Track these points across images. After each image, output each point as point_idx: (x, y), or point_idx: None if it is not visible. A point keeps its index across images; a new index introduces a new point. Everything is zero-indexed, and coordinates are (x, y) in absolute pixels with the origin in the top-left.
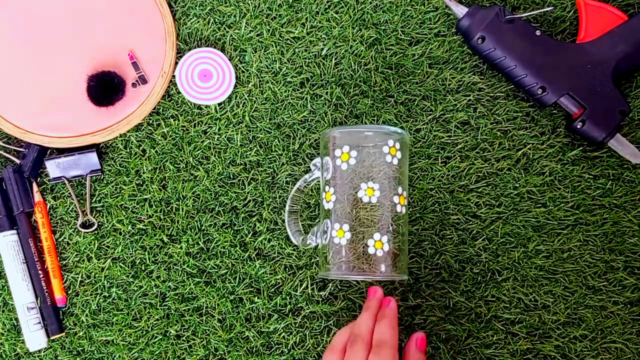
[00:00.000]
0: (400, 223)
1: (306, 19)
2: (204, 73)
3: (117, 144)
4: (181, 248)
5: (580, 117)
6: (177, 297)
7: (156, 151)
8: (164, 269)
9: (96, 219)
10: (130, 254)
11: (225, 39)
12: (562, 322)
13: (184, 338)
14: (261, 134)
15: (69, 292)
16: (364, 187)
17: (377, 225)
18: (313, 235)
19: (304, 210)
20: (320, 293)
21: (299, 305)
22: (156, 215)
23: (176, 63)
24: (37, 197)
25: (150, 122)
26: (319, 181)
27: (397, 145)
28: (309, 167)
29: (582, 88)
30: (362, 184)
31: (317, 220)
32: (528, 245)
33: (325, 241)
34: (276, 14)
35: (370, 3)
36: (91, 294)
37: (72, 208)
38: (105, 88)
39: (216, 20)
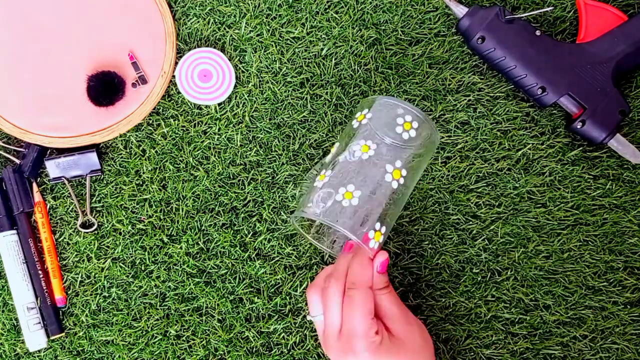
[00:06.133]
0: (384, 192)
1: (306, 19)
2: (204, 73)
3: (117, 144)
4: (181, 248)
5: (580, 117)
6: (177, 297)
7: (156, 151)
8: (164, 269)
9: (96, 219)
10: (130, 254)
11: (225, 39)
12: (562, 322)
13: (184, 338)
14: (261, 134)
15: (68, 292)
16: (361, 143)
17: (355, 179)
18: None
19: None
20: None
21: (298, 305)
22: (156, 215)
23: (176, 63)
24: (37, 197)
25: (150, 122)
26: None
27: (415, 125)
28: (308, 167)
29: (582, 88)
30: (361, 140)
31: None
32: (528, 245)
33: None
34: (276, 14)
35: (370, 3)
36: (91, 294)
37: (72, 208)
38: (105, 88)
39: (216, 20)
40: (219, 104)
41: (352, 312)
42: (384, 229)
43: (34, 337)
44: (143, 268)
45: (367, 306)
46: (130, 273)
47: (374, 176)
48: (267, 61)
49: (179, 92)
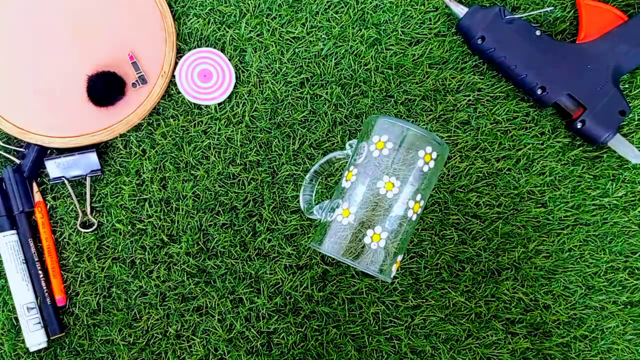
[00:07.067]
0: (405, 228)
1: (306, 19)
2: (204, 73)
3: (117, 144)
4: (181, 248)
5: (580, 117)
6: (177, 297)
7: (156, 151)
8: (164, 269)
9: (96, 219)
10: (130, 254)
11: (225, 39)
12: (562, 322)
13: (184, 338)
14: (261, 133)
15: (69, 292)
16: (385, 180)
17: (381, 219)
18: (321, 209)
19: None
20: (320, 293)
21: (299, 305)
22: (156, 215)
23: (176, 63)
24: (37, 197)
25: (150, 122)
26: (347, 161)
27: (434, 155)
28: (308, 167)
29: (582, 88)
30: (384, 176)
31: (329, 197)
32: (528, 245)
33: (330, 218)
34: (276, 14)
35: (370, 3)
36: (91, 294)
37: (72, 208)
38: (105, 88)
39: (216, 20)
40: (219, 104)
41: None
42: (400, 257)
43: (34, 337)
44: (143, 268)
45: None
46: (130, 273)
47: (397, 214)
48: (267, 61)
49: (179, 92)
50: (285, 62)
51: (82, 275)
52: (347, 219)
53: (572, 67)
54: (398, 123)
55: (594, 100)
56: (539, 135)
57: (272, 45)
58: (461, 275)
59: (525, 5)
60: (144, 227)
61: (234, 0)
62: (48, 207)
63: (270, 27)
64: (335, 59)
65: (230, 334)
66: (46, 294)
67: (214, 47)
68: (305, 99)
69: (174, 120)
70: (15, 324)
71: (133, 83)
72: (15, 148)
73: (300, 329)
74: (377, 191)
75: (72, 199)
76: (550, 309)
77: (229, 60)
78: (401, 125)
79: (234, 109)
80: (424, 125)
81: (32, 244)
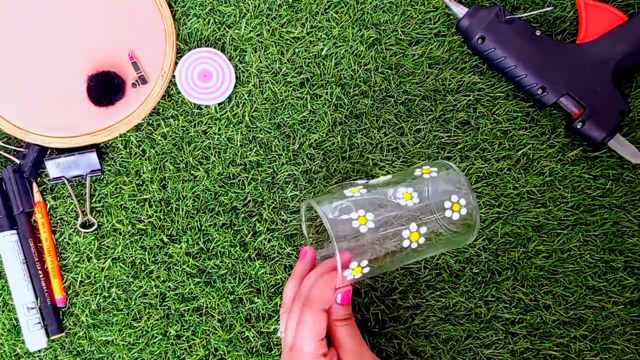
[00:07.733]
0: (396, 249)
1: (306, 19)
2: (204, 73)
3: (117, 144)
4: (181, 248)
5: (580, 117)
6: (177, 297)
7: (156, 151)
8: (164, 269)
9: (96, 219)
10: (130, 254)
11: (225, 39)
12: (562, 322)
13: (184, 338)
14: (261, 134)
15: (69, 292)
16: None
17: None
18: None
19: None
20: None
21: None
22: (156, 215)
23: (176, 63)
24: (37, 197)
25: (150, 122)
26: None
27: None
28: (308, 167)
29: (582, 88)
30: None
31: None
32: (528, 245)
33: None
34: (276, 14)
35: (370, 3)
36: (91, 294)
37: (72, 208)
38: (105, 88)
39: (216, 20)
40: (219, 104)
41: (301, 330)
42: (366, 270)
43: (34, 337)
44: (143, 268)
45: (317, 327)
46: (130, 273)
47: (395, 224)
48: (267, 61)
49: (179, 92)
50: (285, 63)
51: (82, 275)
52: (352, 193)
53: (572, 67)
54: (458, 173)
55: (594, 100)
56: (539, 135)
57: (272, 46)
58: (461, 275)
59: (525, 5)
60: (144, 227)
61: (234, 0)
62: (48, 207)
63: (270, 27)
64: (335, 59)
65: (230, 334)
66: (46, 294)
67: (214, 47)
68: (305, 99)
69: (174, 120)
70: (15, 324)
71: (133, 83)
72: (15, 148)
73: None
74: (394, 196)
75: (72, 199)
76: (550, 309)
77: (229, 60)
78: (460, 176)
79: (234, 109)
80: (423, 125)
81: (32, 244)
